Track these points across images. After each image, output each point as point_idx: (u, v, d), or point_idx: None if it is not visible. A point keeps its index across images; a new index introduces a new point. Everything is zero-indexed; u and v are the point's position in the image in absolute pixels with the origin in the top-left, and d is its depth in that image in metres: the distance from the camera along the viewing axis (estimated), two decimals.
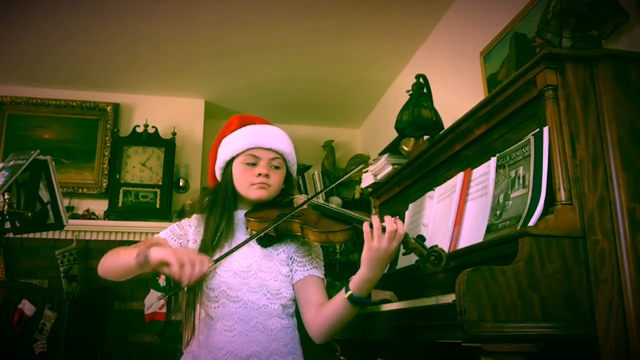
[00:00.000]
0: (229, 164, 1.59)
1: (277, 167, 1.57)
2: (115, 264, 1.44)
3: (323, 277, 1.54)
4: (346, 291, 1.36)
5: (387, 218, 1.33)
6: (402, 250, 1.38)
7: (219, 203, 1.55)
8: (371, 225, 1.33)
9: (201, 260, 1.30)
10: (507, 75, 2.44)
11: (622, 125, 1.32)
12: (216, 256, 1.46)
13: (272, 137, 1.58)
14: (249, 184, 1.54)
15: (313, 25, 3.38)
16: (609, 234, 1.25)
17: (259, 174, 1.53)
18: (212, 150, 1.69)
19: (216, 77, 4.12)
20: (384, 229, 1.32)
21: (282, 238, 1.53)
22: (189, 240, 1.54)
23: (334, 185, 1.72)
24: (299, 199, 1.54)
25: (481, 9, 2.84)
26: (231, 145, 1.59)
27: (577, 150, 1.31)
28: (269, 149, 1.56)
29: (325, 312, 1.43)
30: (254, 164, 1.55)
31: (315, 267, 1.53)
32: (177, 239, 1.54)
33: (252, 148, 1.55)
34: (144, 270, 1.36)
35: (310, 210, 1.51)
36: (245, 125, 1.63)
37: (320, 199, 1.56)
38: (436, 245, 1.33)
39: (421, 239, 1.36)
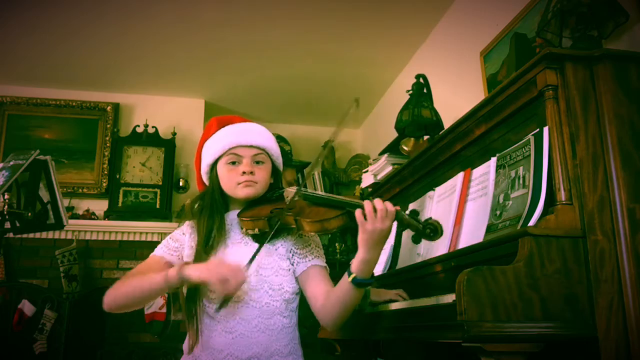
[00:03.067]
0: (213, 167, 1.59)
1: (261, 163, 1.56)
2: (137, 290, 1.43)
3: (325, 265, 1.54)
4: (349, 275, 1.37)
5: (377, 200, 1.34)
6: (396, 228, 1.38)
7: (207, 206, 1.55)
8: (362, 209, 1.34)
9: (237, 270, 1.34)
10: (507, 75, 2.44)
11: (622, 125, 1.32)
12: (211, 258, 1.46)
13: (251, 133, 1.58)
14: (235, 184, 1.53)
15: (313, 25, 3.38)
16: (609, 234, 1.25)
17: (243, 172, 1.52)
18: (196, 156, 1.68)
19: (216, 77, 4.12)
20: (375, 211, 1.32)
21: (278, 233, 1.52)
22: (184, 250, 1.54)
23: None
24: (289, 192, 1.53)
25: (481, 9, 2.84)
26: (212, 147, 1.58)
27: (577, 150, 1.31)
28: (250, 146, 1.55)
29: (332, 299, 1.43)
30: (237, 163, 1.55)
31: (317, 257, 1.53)
32: (173, 253, 1.55)
33: (233, 147, 1.55)
34: (173, 289, 1.40)
35: (301, 200, 1.50)
36: (223, 126, 1.63)
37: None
38: (430, 218, 1.33)
39: (415, 213, 1.36)
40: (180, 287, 1.41)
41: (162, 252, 1.55)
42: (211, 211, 1.54)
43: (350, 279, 1.36)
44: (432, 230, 1.31)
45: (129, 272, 1.51)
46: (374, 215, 1.31)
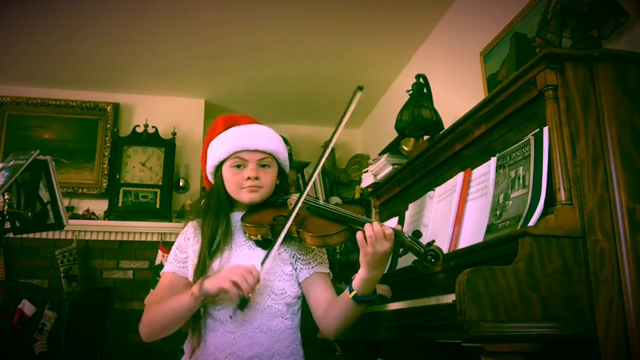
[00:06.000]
0: (218, 168, 1.57)
1: (267, 166, 1.55)
2: (169, 314, 1.44)
3: (329, 272, 1.54)
4: (350, 291, 1.37)
5: (375, 223, 1.33)
6: (400, 251, 1.37)
7: (212, 207, 1.54)
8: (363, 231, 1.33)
9: (249, 271, 1.35)
10: (507, 75, 2.44)
11: (622, 125, 1.32)
12: (216, 262, 1.46)
13: (257, 137, 1.55)
14: (239, 188, 1.52)
15: (313, 25, 3.38)
16: (609, 234, 1.26)
17: (248, 177, 1.51)
18: (202, 154, 1.66)
19: (216, 77, 4.12)
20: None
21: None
22: (189, 256, 1.54)
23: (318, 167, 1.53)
24: (293, 199, 1.52)
25: (481, 9, 2.84)
26: (217, 149, 1.56)
27: (577, 150, 1.31)
28: (256, 150, 1.53)
29: (333, 312, 1.43)
30: (242, 167, 1.53)
31: (320, 264, 1.52)
32: (183, 266, 1.54)
33: (238, 151, 1.53)
34: (204, 303, 1.41)
35: (305, 211, 1.48)
36: (230, 126, 1.59)
37: (320, 198, 1.55)
38: (433, 242, 1.32)
39: (417, 235, 1.35)
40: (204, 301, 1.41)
41: (173, 268, 1.55)
42: (217, 213, 1.52)
43: (352, 295, 1.37)
44: (433, 256, 1.29)
45: (150, 300, 1.52)
46: (373, 239, 1.31)
